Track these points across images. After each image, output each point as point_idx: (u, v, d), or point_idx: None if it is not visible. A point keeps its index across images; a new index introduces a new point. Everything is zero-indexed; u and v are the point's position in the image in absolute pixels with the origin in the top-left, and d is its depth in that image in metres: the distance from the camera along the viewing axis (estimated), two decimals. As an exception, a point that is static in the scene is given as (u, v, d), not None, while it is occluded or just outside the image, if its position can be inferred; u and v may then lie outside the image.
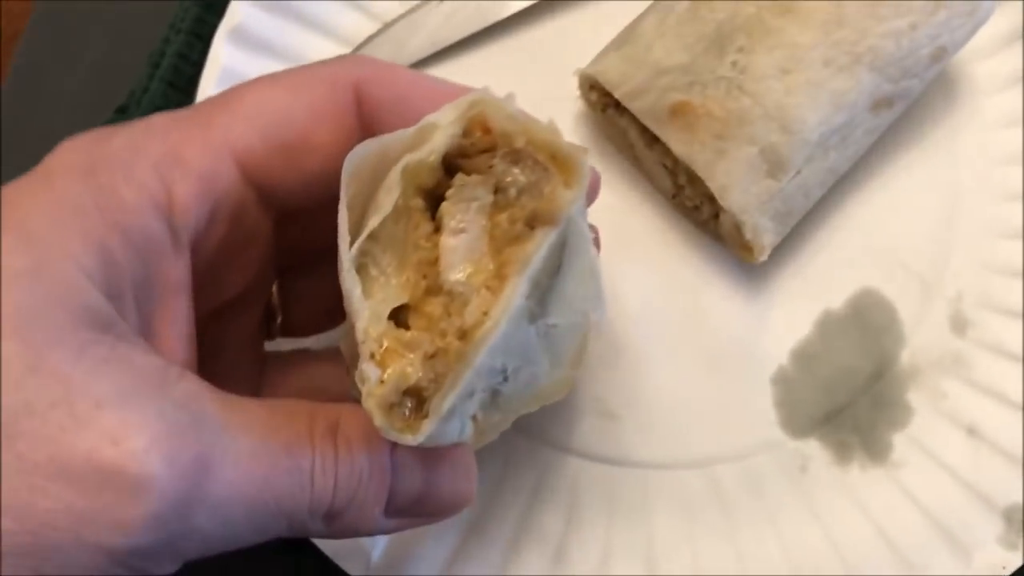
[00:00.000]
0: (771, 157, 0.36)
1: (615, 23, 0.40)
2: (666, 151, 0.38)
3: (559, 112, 0.41)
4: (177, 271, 0.25)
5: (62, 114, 0.45)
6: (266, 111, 0.26)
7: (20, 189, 0.23)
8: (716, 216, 0.38)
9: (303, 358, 0.34)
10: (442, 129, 0.25)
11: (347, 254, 0.24)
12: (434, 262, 0.25)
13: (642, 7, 0.40)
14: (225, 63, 0.40)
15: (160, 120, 0.26)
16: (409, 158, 0.25)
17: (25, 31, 0.47)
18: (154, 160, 0.25)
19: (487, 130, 0.26)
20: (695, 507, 0.38)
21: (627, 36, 0.39)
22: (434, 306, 0.25)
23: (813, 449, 0.38)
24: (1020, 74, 0.41)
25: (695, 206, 0.39)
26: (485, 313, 0.24)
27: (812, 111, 0.36)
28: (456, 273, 0.25)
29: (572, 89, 0.40)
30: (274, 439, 0.24)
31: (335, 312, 0.27)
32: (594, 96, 0.40)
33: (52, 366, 0.21)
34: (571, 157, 0.25)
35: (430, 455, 0.26)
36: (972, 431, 0.37)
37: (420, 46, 0.42)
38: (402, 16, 0.42)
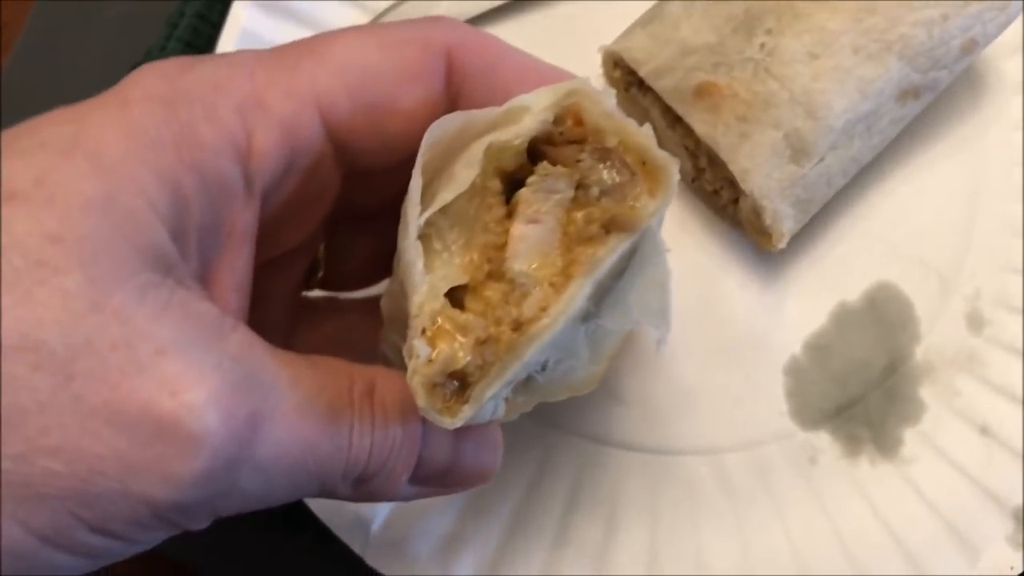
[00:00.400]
0: (795, 142, 0.35)
1: (640, 2, 0.39)
2: (688, 132, 0.37)
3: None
4: (245, 219, 0.24)
5: (77, 73, 0.45)
6: (355, 65, 0.25)
7: (95, 112, 0.22)
8: (735, 201, 0.37)
9: (332, 307, 0.33)
10: (533, 113, 0.24)
11: (415, 222, 0.23)
12: (501, 247, 0.24)
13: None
14: (245, 24, 0.40)
15: (246, 58, 0.25)
16: (495, 136, 0.24)
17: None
18: (237, 101, 0.24)
19: (579, 122, 0.25)
20: (702, 495, 0.37)
21: (655, 14, 0.38)
22: (494, 292, 0.24)
23: (823, 441, 0.38)
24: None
25: (715, 190, 0.38)
26: (543, 309, 0.23)
27: (839, 97, 0.35)
28: (522, 263, 0.24)
29: (593, 66, 0.40)
30: (319, 400, 0.23)
31: (378, 271, 0.27)
32: (618, 74, 0.39)
33: (115, 305, 0.20)
34: (662, 166, 0.24)
35: (460, 428, 0.26)
36: (985, 430, 0.37)
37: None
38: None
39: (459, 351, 0.23)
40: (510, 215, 0.24)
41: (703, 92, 0.36)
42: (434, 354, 0.23)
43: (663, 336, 0.27)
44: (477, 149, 0.24)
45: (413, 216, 0.23)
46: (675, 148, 0.39)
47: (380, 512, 0.36)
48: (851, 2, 0.36)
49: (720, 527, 0.37)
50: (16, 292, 0.19)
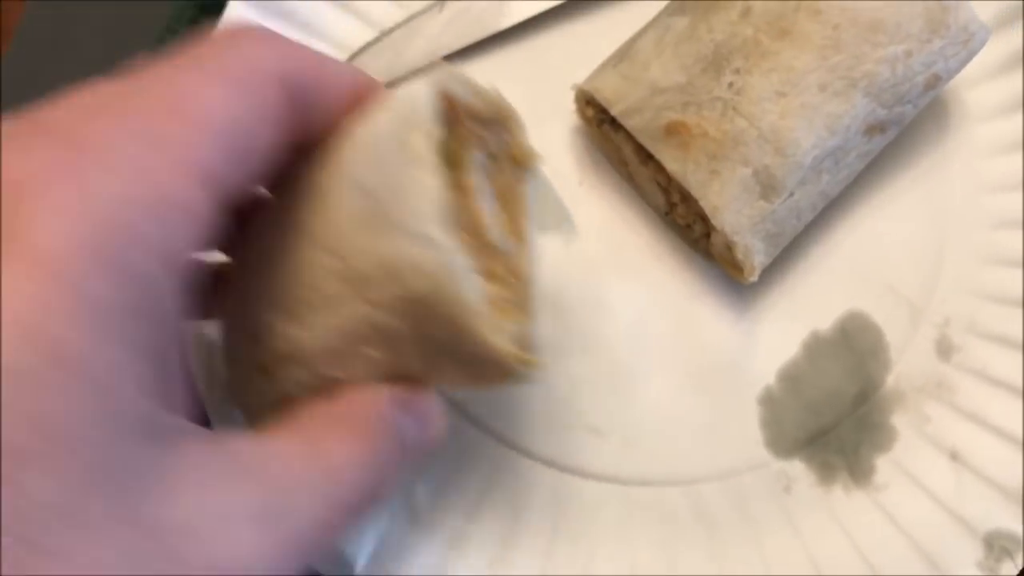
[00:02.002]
0: (764, 179, 0.36)
1: (613, 36, 0.40)
2: (660, 168, 0.38)
3: (556, 124, 0.42)
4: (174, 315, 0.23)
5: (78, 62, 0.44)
6: (225, 124, 0.23)
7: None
8: (708, 235, 0.38)
9: None
10: (426, 104, 0.25)
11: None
12: (479, 225, 0.27)
13: (642, 21, 0.40)
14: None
15: (124, 145, 0.21)
16: (431, 134, 0.25)
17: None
18: (145, 205, 0.21)
19: (452, 101, 0.27)
20: (679, 525, 0.38)
21: (625, 52, 0.39)
22: (496, 265, 0.27)
23: (798, 470, 0.38)
24: (1012, 102, 0.41)
25: (687, 224, 0.39)
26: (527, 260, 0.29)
27: (807, 134, 0.36)
28: (494, 231, 0.27)
29: (569, 102, 0.40)
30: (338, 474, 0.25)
31: None
32: (590, 112, 0.40)
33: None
34: (509, 109, 0.29)
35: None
36: (955, 455, 0.38)
37: (418, 55, 0.42)
38: (400, 24, 0.42)
39: (522, 318, 0.27)
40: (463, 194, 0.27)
41: (673, 131, 0.37)
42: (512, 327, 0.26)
43: (569, 237, 0.34)
44: (424, 151, 0.25)
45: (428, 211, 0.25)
46: (648, 183, 0.40)
47: (364, 550, 0.36)
48: (817, 40, 0.36)
49: (698, 557, 0.37)
50: None
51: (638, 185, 0.41)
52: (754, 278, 0.37)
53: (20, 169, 0.20)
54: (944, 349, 0.39)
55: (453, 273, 0.24)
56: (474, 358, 0.26)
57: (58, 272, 0.19)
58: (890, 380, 0.39)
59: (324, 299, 0.26)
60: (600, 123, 0.40)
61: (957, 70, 0.38)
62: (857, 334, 0.39)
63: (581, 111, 0.40)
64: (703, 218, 0.37)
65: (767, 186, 0.36)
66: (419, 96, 0.25)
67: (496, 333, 0.25)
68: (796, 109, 0.36)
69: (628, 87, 0.38)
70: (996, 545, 0.36)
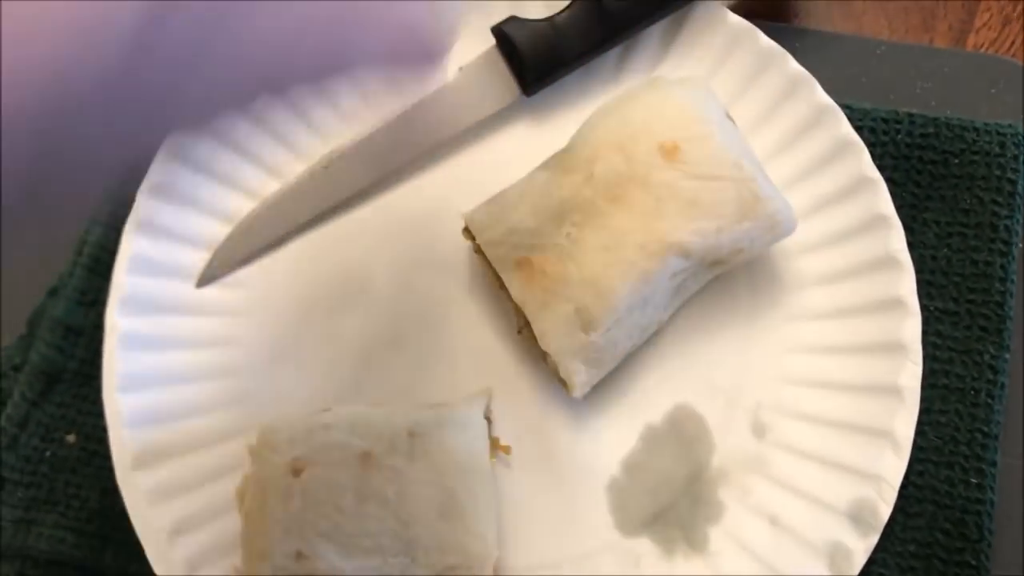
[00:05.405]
0: (584, 316, 0.43)
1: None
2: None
3: (460, 244, 0.49)
4: None
5: (7, 294, 0.52)
6: None
7: None
8: (546, 355, 0.45)
9: None
10: (484, 429, 0.44)
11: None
12: None
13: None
14: (134, 250, 0.48)
15: None
16: (487, 448, 0.44)
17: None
18: None
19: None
20: (550, 606, 0.44)
21: (499, 195, 0.46)
22: None
23: (644, 546, 0.45)
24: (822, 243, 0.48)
25: (535, 342, 0.46)
26: None
27: (622, 283, 0.42)
28: None
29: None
30: None
31: None
32: (471, 236, 0.47)
33: None
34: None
35: None
36: (774, 520, 0.44)
37: (302, 212, 0.49)
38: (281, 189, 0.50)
39: None
40: None
41: (521, 265, 0.44)
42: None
43: None
44: (486, 467, 0.42)
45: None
46: (508, 301, 0.47)
47: None
48: (642, 208, 0.43)
49: (566, 632, 0.44)
50: None
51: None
52: (578, 394, 0.44)
53: None
54: (758, 429, 0.46)
55: (488, 561, 0.39)
56: None
57: None
58: (715, 460, 0.46)
59: (376, 547, 0.38)
60: (478, 248, 0.47)
61: (763, 249, 0.45)
62: (683, 423, 0.46)
63: (467, 235, 0.48)
64: (541, 339, 0.44)
65: (586, 321, 0.43)
66: (481, 423, 0.42)
67: None
68: (617, 262, 0.43)
69: (492, 222, 0.45)
70: (805, 595, 0.42)
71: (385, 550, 0.38)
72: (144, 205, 0.49)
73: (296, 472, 0.40)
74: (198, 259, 0.49)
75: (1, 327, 0.51)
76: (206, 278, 0.48)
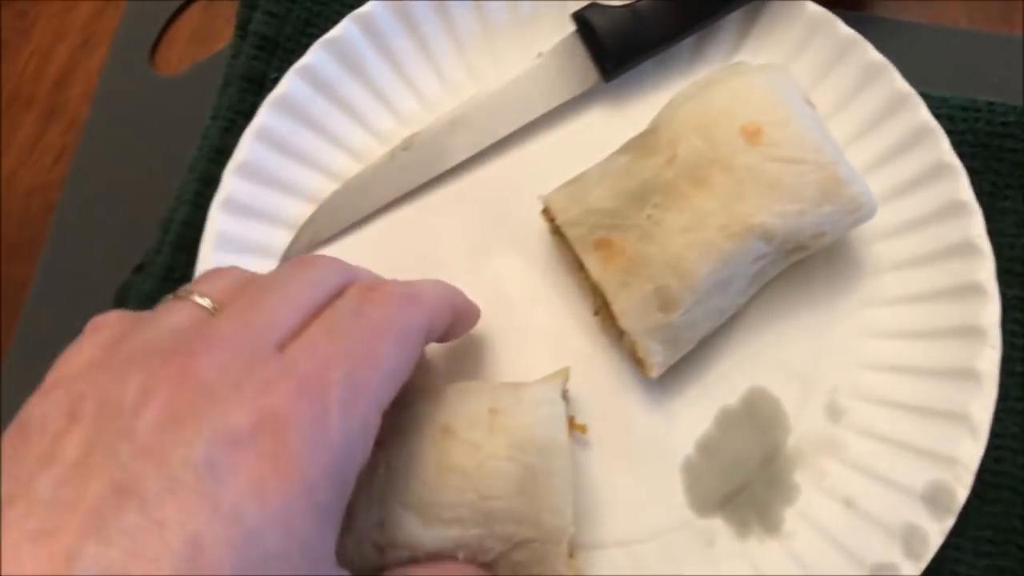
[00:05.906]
0: (664, 296, 0.43)
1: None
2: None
3: (536, 227, 0.50)
4: None
5: (94, 270, 0.55)
6: (392, 370, 0.36)
7: None
8: (623, 334, 0.46)
9: None
10: (562, 406, 0.42)
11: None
12: None
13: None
14: (220, 228, 0.49)
15: (343, 388, 0.33)
16: (566, 424, 0.42)
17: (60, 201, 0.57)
18: (361, 433, 0.34)
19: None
20: (623, 581, 0.45)
21: (578, 177, 0.47)
22: None
23: (718, 526, 0.45)
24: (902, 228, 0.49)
25: (612, 323, 0.47)
26: None
27: (703, 264, 0.43)
28: None
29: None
30: None
31: None
32: (549, 216, 0.48)
33: None
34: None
35: None
36: (849, 503, 0.44)
37: (378, 198, 0.51)
38: (358, 175, 0.51)
39: None
40: None
41: (600, 245, 0.45)
42: None
43: None
44: (564, 445, 0.41)
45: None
46: (585, 283, 0.48)
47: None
48: (724, 191, 0.43)
49: (639, 607, 0.44)
50: None
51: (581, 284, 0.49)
52: (654, 374, 0.44)
53: (281, 404, 0.31)
54: (834, 413, 0.46)
55: (564, 536, 0.38)
56: None
57: (309, 489, 0.30)
58: (790, 443, 0.46)
59: (455, 518, 0.39)
60: (556, 229, 0.48)
61: (845, 231, 0.45)
62: (759, 406, 0.47)
63: (545, 216, 0.49)
64: (619, 320, 0.45)
65: (665, 301, 0.43)
66: (559, 402, 0.41)
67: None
68: (698, 243, 0.43)
69: (572, 204, 0.46)
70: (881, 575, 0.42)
71: (464, 521, 0.39)
72: (230, 185, 0.50)
73: (380, 444, 0.41)
74: (282, 238, 0.50)
75: (87, 303, 0.52)
76: (290, 256, 0.50)
